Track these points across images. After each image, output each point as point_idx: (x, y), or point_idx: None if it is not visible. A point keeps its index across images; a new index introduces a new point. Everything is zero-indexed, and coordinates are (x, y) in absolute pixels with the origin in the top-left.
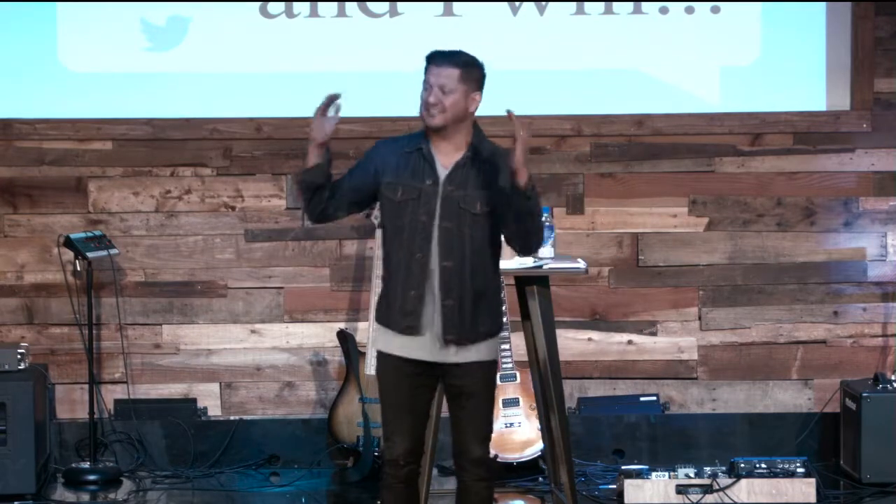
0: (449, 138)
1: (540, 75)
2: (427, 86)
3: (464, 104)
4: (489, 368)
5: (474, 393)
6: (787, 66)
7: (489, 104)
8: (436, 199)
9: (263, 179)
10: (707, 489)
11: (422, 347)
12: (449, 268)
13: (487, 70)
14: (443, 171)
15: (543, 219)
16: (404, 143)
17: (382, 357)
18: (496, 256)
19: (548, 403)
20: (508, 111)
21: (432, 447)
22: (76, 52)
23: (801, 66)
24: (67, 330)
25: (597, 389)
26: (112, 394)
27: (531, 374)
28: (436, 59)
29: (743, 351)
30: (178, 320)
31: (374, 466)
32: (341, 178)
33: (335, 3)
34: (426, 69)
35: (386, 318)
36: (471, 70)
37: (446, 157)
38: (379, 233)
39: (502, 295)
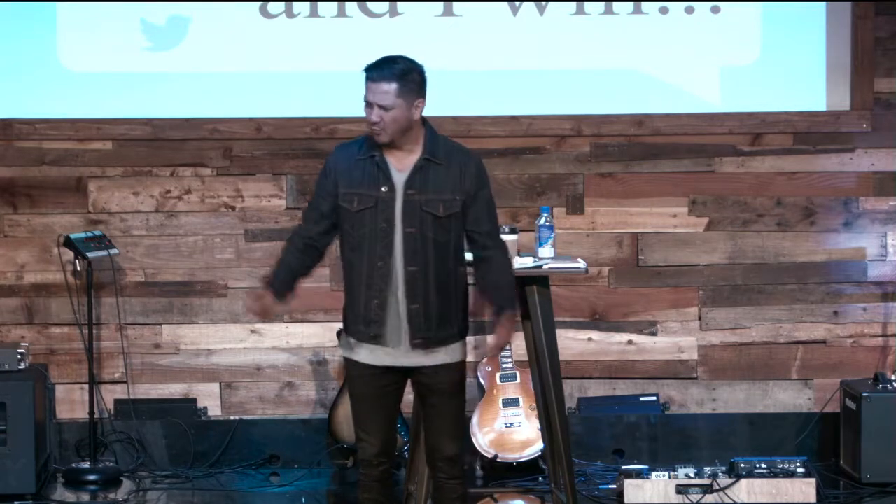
0: (400, 145)
1: (540, 75)
2: (367, 103)
3: (406, 115)
4: (458, 369)
5: (444, 392)
6: (787, 66)
7: (489, 104)
8: (394, 205)
9: (263, 179)
10: (707, 489)
11: (388, 354)
12: (414, 272)
13: (488, 71)
14: (399, 176)
15: (544, 219)
16: (357, 150)
17: (350, 363)
18: (461, 258)
19: (548, 403)
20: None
21: None
22: (76, 52)
23: (801, 66)
24: (67, 330)
25: (597, 389)
26: (112, 394)
27: (531, 374)
28: (371, 74)
29: (743, 351)
30: (177, 320)
31: None
32: (313, 208)
33: (335, 3)
34: (365, 82)
35: (351, 328)
36: (409, 79)
37: (401, 161)
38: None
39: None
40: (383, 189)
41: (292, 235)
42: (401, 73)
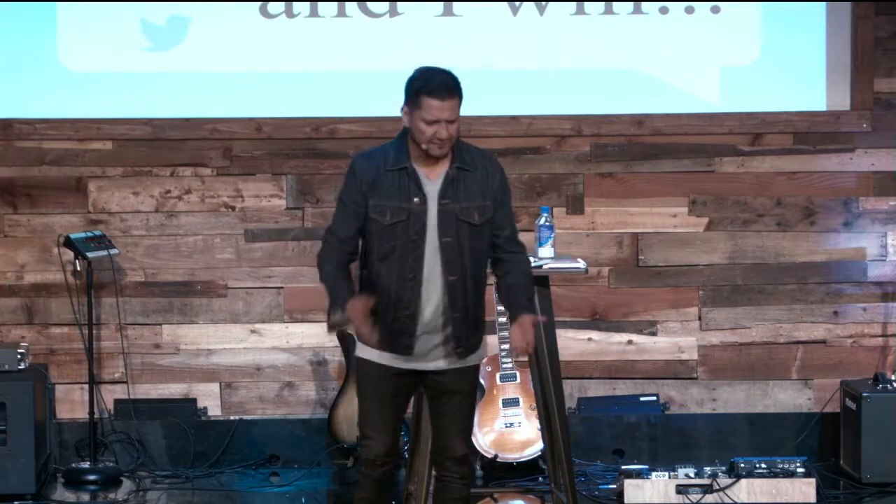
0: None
1: (540, 75)
2: (434, 121)
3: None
4: (476, 370)
5: (462, 392)
6: (787, 66)
7: (489, 104)
8: (425, 218)
9: (263, 179)
10: (707, 489)
11: (414, 359)
12: (454, 282)
13: (488, 71)
14: (431, 186)
15: (544, 219)
16: (384, 159)
17: (365, 363)
18: (486, 264)
19: (548, 403)
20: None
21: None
22: (76, 52)
23: (801, 66)
24: (67, 330)
25: (597, 389)
26: (112, 394)
27: (531, 374)
28: (440, 93)
29: (743, 351)
30: (177, 320)
31: None
32: (347, 219)
33: (335, 3)
34: (428, 101)
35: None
36: (461, 88)
37: (432, 171)
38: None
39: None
40: (415, 200)
41: (329, 249)
42: (459, 85)
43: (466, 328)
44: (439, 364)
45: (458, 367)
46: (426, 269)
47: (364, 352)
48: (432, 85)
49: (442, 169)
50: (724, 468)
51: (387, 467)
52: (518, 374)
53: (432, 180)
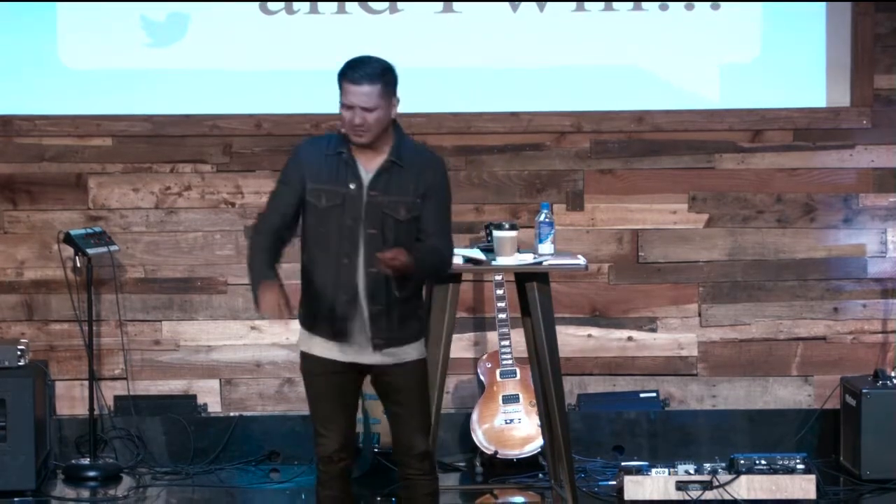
0: (373, 145)
1: (540, 72)
2: (350, 105)
3: (388, 115)
4: (420, 365)
5: (408, 388)
6: (788, 63)
7: (489, 101)
8: (360, 204)
9: (263, 176)
10: (707, 485)
11: (351, 350)
12: (375, 274)
13: (488, 68)
14: (366, 175)
15: (543, 216)
16: (325, 145)
17: (309, 359)
18: None
19: (547, 400)
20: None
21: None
22: (76, 49)
23: (802, 63)
24: (67, 326)
25: (596, 386)
26: (112, 390)
27: (531, 371)
28: (352, 76)
29: (743, 347)
30: (177, 317)
31: (374, 462)
32: (279, 200)
33: (335, 1)
34: (346, 86)
35: (311, 323)
36: (388, 79)
37: (369, 161)
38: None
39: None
40: (351, 186)
41: (256, 235)
42: (381, 72)
43: (388, 321)
44: (374, 358)
45: (398, 362)
46: (360, 257)
47: (305, 344)
48: (350, 70)
49: (378, 161)
50: (723, 465)
51: (343, 463)
52: (518, 371)
53: (368, 170)
